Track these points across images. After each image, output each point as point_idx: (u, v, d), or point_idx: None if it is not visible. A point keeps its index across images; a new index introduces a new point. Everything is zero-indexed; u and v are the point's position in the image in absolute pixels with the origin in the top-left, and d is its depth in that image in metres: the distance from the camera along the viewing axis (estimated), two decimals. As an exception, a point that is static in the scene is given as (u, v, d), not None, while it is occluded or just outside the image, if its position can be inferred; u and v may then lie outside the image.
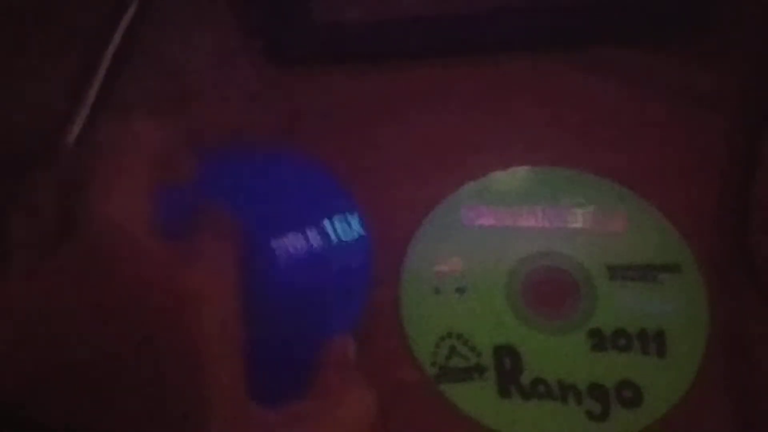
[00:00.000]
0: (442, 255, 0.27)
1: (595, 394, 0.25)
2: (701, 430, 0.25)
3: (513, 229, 0.28)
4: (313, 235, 0.25)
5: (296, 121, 0.30)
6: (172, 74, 0.31)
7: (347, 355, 0.22)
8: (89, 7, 0.32)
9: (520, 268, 0.27)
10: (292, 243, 0.25)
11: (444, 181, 0.29)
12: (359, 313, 0.25)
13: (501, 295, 0.27)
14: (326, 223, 0.26)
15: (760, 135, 0.29)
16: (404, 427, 0.25)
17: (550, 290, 0.27)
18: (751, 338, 0.26)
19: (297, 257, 0.25)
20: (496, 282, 0.27)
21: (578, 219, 0.28)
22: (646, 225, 0.28)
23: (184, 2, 0.33)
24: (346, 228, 0.26)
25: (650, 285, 0.27)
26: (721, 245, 0.27)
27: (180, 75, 0.31)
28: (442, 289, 0.27)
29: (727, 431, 0.25)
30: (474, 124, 0.30)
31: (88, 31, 0.32)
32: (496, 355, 0.26)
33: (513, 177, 0.29)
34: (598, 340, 0.26)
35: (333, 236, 0.26)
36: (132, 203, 0.19)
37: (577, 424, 0.25)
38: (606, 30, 0.32)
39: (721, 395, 0.25)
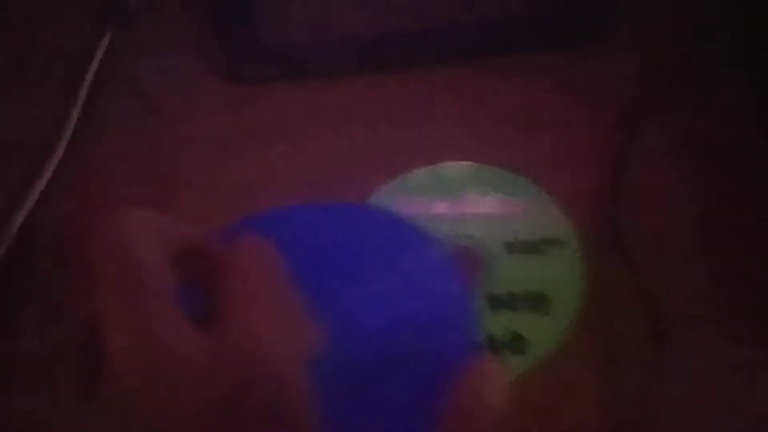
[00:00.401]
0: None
1: (489, 344, 0.31)
2: (572, 369, 0.31)
3: (428, 216, 0.34)
4: (397, 279, 0.23)
5: (251, 134, 0.35)
6: (145, 95, 0.36)
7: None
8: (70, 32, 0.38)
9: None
10: (377, 294, 0.23)
11: (375, 179, 0.35)
12: (473, 340, 0.23)
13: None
14: (408, 261, 0.23)
15: (634, 135, 0.35)
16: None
17: (462, 264, 0.33)
18: (616, 294, 0.32)
19: (386, 308, 0.23)
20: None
21: (482, 205, 0.34)
22: (537, 208, 0.34)
23: (158, 29, 0.38)
24: (428, 260, 0.24)
25: (538, 257, 0.33)
26: (596, 222, 0.33)
27: (152, 95, 0.36)
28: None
29: (592, 370, 0.30)
30: (401, 129, 0.36)
31: (70, 55, 0.37)
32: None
33: (429, 172, 0.35)
34: (495, 303, 0.32)
35: (417, 273, 0.23)
36: (281, 324, 0.19)
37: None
38: (513, 40, 0.38)
39: (590, 341, 0.31)
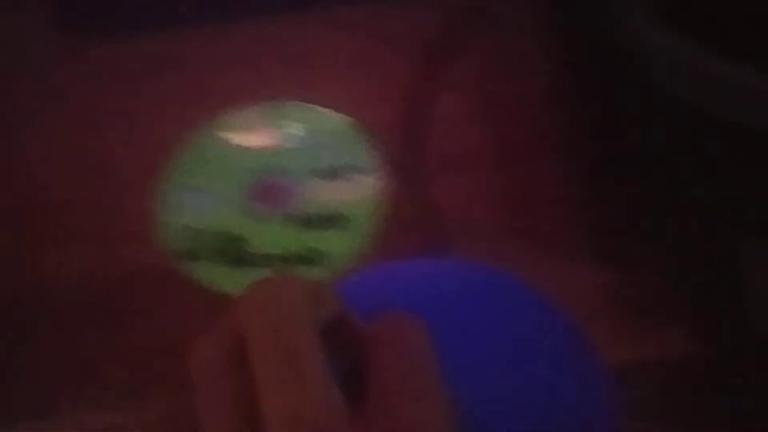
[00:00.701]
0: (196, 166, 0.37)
1: (292, 259, 0.34)
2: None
3: (248, 148, 0.38)
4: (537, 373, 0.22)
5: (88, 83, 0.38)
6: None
7: None
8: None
9: (251, 176, 0.37)
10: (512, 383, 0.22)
11: (203, 114, 0.38)
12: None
13: (235, 196, 0.36)
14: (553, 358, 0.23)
15: (433, 72, 0.38)
16: (149, 300, 0.33)
17: (271, 191, 0.37)
18: (408, 211, 0.35)
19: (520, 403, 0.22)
20: (232, 186, 0.36)
21: (293, 138, 0.38)
22: (345, 139, 0.37)
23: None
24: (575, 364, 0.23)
25: (342, 182, 0.37)
26: (396, 149, 0.37)
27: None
28: (193, 191, 0.36)
29: None
30: (223, 73, 0.39)
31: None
32: (226, 242, 0.36)
33: (247, 111, 0.38)
34: (297, 222, 0.36)
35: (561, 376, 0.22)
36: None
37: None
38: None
39: (385, 254, 0.34)
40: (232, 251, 0.36)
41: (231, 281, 0.35)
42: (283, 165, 0.38)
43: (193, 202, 0.37)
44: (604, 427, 0.22)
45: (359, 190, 0.37)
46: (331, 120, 0.39)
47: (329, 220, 0.36)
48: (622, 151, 0.35)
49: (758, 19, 0.32)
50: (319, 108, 0.39)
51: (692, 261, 0.33)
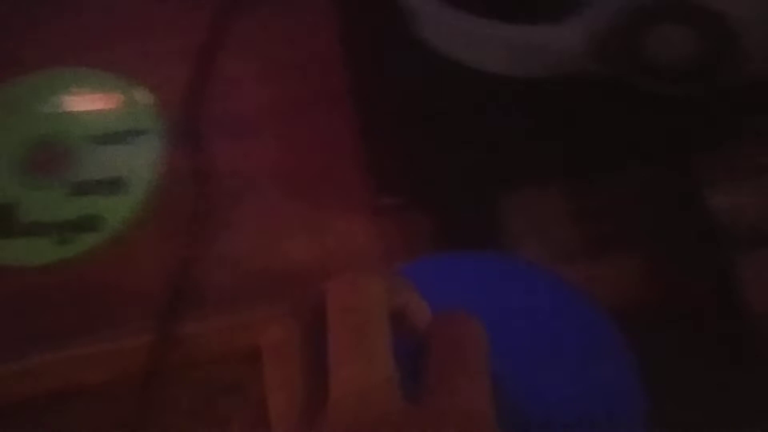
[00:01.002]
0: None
1: (65, 227, 0.34)
2: (144, 241, 0.34)
3: (26, 116, 0.36)
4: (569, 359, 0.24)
5: None
6: None
7: None
8: None
9: (28, 143, 0.36)
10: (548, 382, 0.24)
11: None
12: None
13: (10, 165, 0.35)
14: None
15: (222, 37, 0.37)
16: None
17: (48, 158, 0.36)
18: (184, 174, 0.34)
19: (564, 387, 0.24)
20: (5, 158, 0.36)
21: (78, 104, 0.37)
22: (128, 103, 0.36)
23: None
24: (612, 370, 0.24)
25: (122, 146, 0.36)
26: (178, 112, 0.36)
27: None
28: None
29: (159, 239, 0.33)
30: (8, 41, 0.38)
31: None
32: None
33: (34, 77, 0.37)
34: (75, 189, 0.35)
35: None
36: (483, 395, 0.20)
37: (49, 249, 0.34)
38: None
39: (162, 215, 0.34)
40: (3, 222, 0.35)
41: (3, 252, 0.34)
42: (63, 131, 0.37)
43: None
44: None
45: (140, 154, 0.36)
46: (114, 84, 0.38)
47: (107, 186, 0.35)
48: (401, 109, 0.36)
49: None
50: (102, 72, 0.38)
51: (460, 208, 0.33)
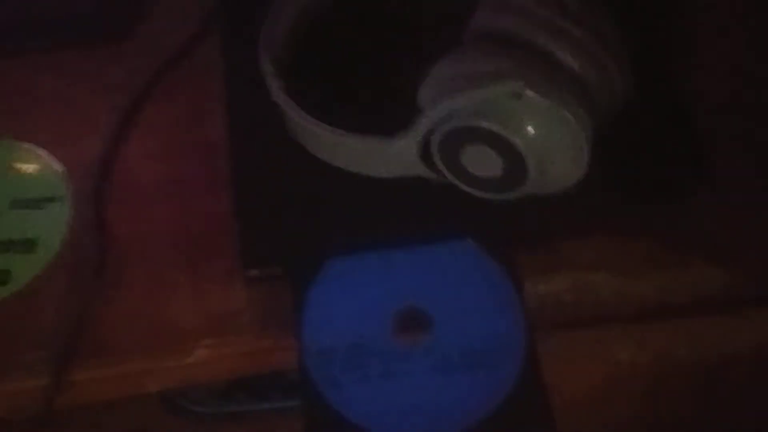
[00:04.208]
0: None
1: None
2: (54, 295, 0.39)
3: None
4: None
5: None
6: None
7: None
8: None
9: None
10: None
11: None
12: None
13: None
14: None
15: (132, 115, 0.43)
16: None
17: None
18: (85, 235, 0.40)
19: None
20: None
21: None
22: (43, 173, 0.41)
23: None
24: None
25: (37, 211, 0.41)
26: (86, 183, 0.42)
27: None
28: None
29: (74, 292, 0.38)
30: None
31: None
32: None
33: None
34: (-8, 247, 0.41)
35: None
36: None
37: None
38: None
39: (65, 277, 0.39)
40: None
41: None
42: (-16, 196, 0.44)
43: None
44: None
45: (50, 218, 0.41)
46: (32, 154, 0.43)
47: (20, 244, 0.41)
48: (274, 193, 0.40)
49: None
50: (21, 143, 0.43)
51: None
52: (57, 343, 0.38)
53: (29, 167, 0.43)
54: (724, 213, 0.40)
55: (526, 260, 0.39)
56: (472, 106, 0.35)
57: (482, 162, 0.36)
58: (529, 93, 0.34)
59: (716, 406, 0.50)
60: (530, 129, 0.35)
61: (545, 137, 0.35)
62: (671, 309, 0.41)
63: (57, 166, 0.43)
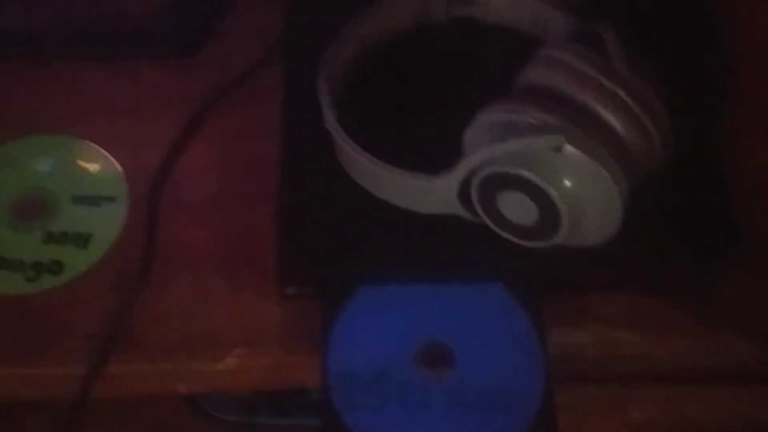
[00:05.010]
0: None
1: (35, 267, 0.42)
2: (100, 289, 0.41)
3: (21, 169, 0.45)
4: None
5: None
6: None
7: None
8: None
9: (19, 193, 0.44)
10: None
11: None
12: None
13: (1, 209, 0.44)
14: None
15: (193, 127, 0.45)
16: None
17: (32, 208, 0.44)
18: (138, 237, 0.42)
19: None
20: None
21: (65, 166, 0.45)
22: (104, 172, 0.44)
23: None
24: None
25: (95, 207, 0.44)
26: (142, 186, 0.44)
27: None
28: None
29: (112, 288, 0.40)
30: (18, 107, 0.47)
31: None
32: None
33: (31, 139, 0.45)
34: (50, 238, 0.42)
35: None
36: None
37: (20, 283, 0.41)
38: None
39: (112, 274, 0.41)
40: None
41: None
42: (46, 187, 0.45)
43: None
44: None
45: (105, 217, 0.44)
46: (95, 155, 0.46)
47: (75, 238, 0.43)
48: (317, 217, 0.42)
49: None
50: (87, 143, 0.46)
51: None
52: (98, 335, 0.40)
53: (92, 166, 0.46)
54: (754, 282, 0.40)
55: (552, 309, 0.40)
56: (514, 154, 0.36)
57: (518, 209, 0.37)
58: (570, 148, 0.36)
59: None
60: (567, 182, 0.36)
61: (581, 192, 0.36)
62: (692, 373, 0.42)
63: (118, 168, 0.46)
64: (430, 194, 0.39)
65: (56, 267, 0.42)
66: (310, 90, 0.43)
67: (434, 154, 0.40)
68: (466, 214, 0.40)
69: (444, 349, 0.39)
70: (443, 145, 0.39)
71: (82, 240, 0.43)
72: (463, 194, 0.39)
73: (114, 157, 0.46)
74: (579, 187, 0.36)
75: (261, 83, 0.48)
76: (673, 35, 0.46)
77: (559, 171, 0.36)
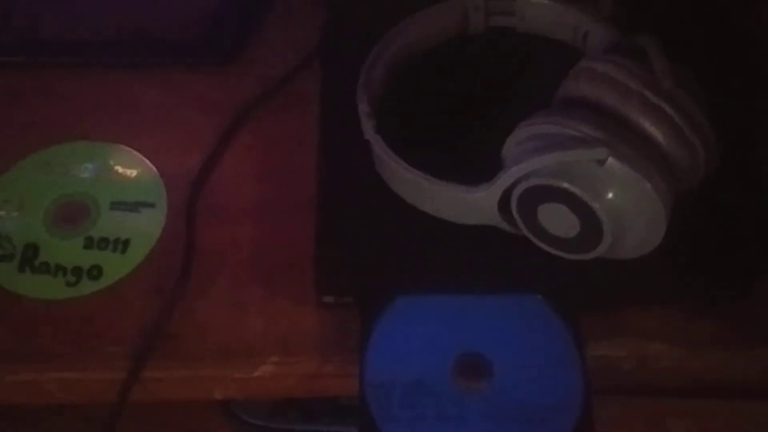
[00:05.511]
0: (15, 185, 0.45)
1: (75, 272, 0.42)
2: (137, 292, 0.42)
3: (62, 175, 0.45)
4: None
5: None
6: None
7: None
8: None
9: (59, 199, 0.45)
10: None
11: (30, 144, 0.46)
12: None
13: (42, 213, 0.44)
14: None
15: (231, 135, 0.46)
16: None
17: (72, 213, 0.44)
18: (176, 244, 0.42)
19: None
20: (39, 207, 0.44)
21: (104, 172, 0.45)
22: (143, 179, 0.45)
23: None
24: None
25: (134, 214, 0.44)
26: (181, 193, 0.44)
27: None
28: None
29: (150, 292, 0.41)
30: (56, 114, 0.47)
31: None
32: (25, 249, 0.43)
33: (72, 146, 0.46)
34: (88, 243, 0.43)
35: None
36: None
37: (60, 288, 0.42)
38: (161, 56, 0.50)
39: (151, 281, 0.41)
40: (29, 257, 0.43)
41: (21, 284, 0.43)
42: (87, 193, 0.45)
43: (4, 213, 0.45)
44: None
45: (145, 223, 0.44)
46: (135, 162, 0.46)
47: (115, 244, 0.44)
48: (354, 226, 0.42)
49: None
50: (127, 149, 0.47)
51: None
52: (136, 340, 0.41)
53: (131, 172, 0.46)
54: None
55: (590, 321, 0.40)
56: (556, 166, 0.36)
57: (559, 221, 0.37)
58: (613, 161, 0.36)
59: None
60: (610, 196, 0.36)
61: (624, 206, 0.36)
62: (730, 388, 0.42)
63: (157, 174, 0.46)
64: (470, 205, 0.40)
65: (96, 272, 0.43)
66: (349, 98, 0.43)
67: (474, 166, 0.40)
68: (505, 225, 0.40)
69: (481, 361, 0.39)
70: (483, 156, 0.39)
71: (121, 245, 0.43)
72: (503, 206, 0.39)
73: (153, 163, 0.46)
74: (622, 201, 0.36)
75: (300, 90, 0.49)
76: (711, 45, 0.46)
77: (602, 184, 0.36)
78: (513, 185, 0.38)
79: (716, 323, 0.40)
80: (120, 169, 0.46)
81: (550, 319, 0.40)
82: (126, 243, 0.43)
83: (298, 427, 0.55)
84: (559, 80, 0.40)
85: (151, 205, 0.45)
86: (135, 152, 0.47)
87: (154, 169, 0.46)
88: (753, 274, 0.40)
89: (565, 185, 0.36)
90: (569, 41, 0.45)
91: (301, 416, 0.56)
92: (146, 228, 0.44)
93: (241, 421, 0.56)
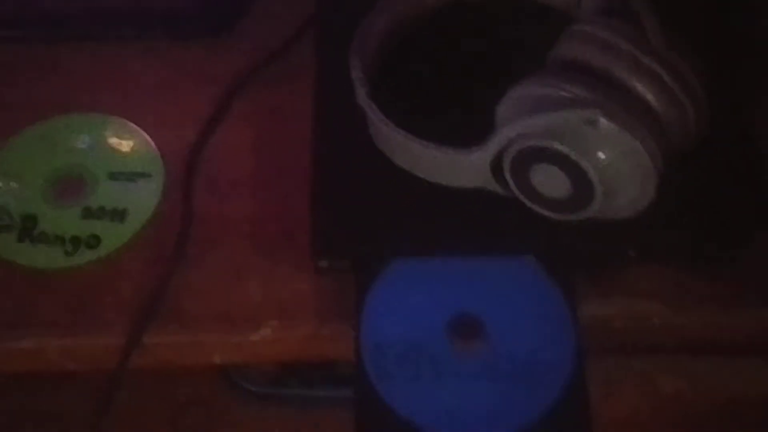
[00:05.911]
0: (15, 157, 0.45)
1: (73, 241, 0.43)
2: (136, 262, 0.42)
3: (61, 148, 0.46)
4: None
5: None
6: None
7: None
8: None
9: (58, 171, 0.45)
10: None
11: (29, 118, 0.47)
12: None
13: (40, 185, 0.44)
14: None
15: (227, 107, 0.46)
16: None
17: (70, 185, 0.45)
18: (175, 214, 0.43)
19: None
20: (37, 179, 0.45)
21: (101, 144, 0.46)
22: (140, 150, 0.45)
23: None
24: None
25: (131, 184, 0.44)
26: (178, 165, 0.45)
27: None
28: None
29: (152, 260, 0.41)
30: (54, 88, 0.48)
31: None
32: (23, 220, 0.44)
33: (68, 118, 0.46)
34: (87, 213, 0.44)
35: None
36: None
37: (59, 257, 0.42)
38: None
39: (149, 249, 0.42)
40: (28, 227, 0.44)
41: (21, 254, 0.43)
42: (84, 164, 0.46)
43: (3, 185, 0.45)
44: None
45: (142, 193, 0.45)
46: (131, 133, 0.47)
47: (112, 214, 0.44)
48: (350, 191, 0.43)
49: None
50: (124, 121, 0.47)
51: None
52: (136, 307, 0.41)
53: (129, 143, 0.46)
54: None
55: (582, 281, 0.40)
56: (547, 127, 0.37)
57: (551, 182, 0.38)
58: (604, 121, 0.36)
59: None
60: (601, 155, 0.36)
61: (615, 165, 0.37)
62: (721, 345, 0.42)
63: (154, 146, 0.46)
64: (463, 168, 0.40)
65: (94, 241, 0.43)
66: (343, 66, 0.43)
67: (467, 129, 0.40)
68: (498, 187, 0.40)
69: (476, 322, 0.40)
70: (476, 120, 0.40)
71: (119, 215, 0.44)
72: (496, 168, 0.39)
73: (149, 134, 0.47)
74: (613, 161, 0.36)
75: (295, 60, 0.49)
76: (706, 8, 0.46)
77: (594, 145, 0.36)
78: (505, 147, 0.38)
79: (707, 282, 0.41)
80: (116, 140, 0.47)
81: (543, 280, 0.40)
82: (124, 213, 0.44)
83: (298, 393, 0.56)
84: (553, 45, 0.41)
85: (149, 176, 0.45)
86: (131, 124, 0.47)
87: (151, 140, 0.46)
88: (744, 233, 0.41)
89: (557, 146, 0.36)
90: (564, 7, 0.46)
91: (300, 382, 0.57)
92: (144, 198, 0.45)
93: (242, 388, 0.57)
